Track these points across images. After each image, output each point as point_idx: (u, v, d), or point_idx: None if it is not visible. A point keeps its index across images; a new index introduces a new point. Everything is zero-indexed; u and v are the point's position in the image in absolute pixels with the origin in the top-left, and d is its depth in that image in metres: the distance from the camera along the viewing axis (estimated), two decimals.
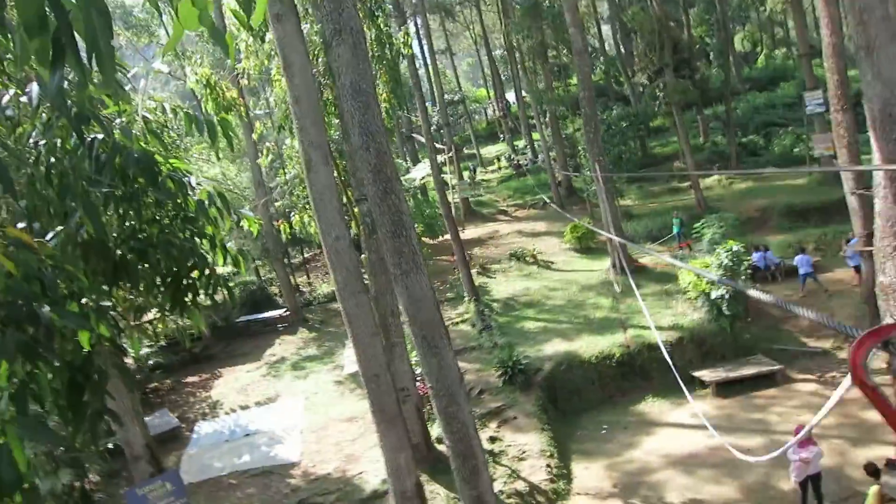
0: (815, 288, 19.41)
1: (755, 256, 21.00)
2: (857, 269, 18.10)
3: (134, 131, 4.29)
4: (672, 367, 11.68)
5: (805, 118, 30.95)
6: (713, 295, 17.31)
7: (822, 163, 29.00)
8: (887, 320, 7.35)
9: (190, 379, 22.30)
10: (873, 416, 13.45)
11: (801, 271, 19.29)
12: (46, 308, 3.34)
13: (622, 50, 46.40)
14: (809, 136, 30.25)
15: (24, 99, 3.28)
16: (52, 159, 3.59)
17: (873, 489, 9.18)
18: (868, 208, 13.59)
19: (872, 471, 9.40)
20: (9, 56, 3.22)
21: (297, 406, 18.49)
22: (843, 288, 19.11)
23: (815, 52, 28.94)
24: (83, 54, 2.16)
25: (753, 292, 2.97)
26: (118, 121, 4.26)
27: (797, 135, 34.77)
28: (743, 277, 17.62)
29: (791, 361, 16.65)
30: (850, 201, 15.27)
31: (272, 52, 13.43)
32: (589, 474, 13.51)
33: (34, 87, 2.94)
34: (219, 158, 25.74)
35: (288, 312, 26.76)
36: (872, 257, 9.36)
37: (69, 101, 3.16)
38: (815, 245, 22.74)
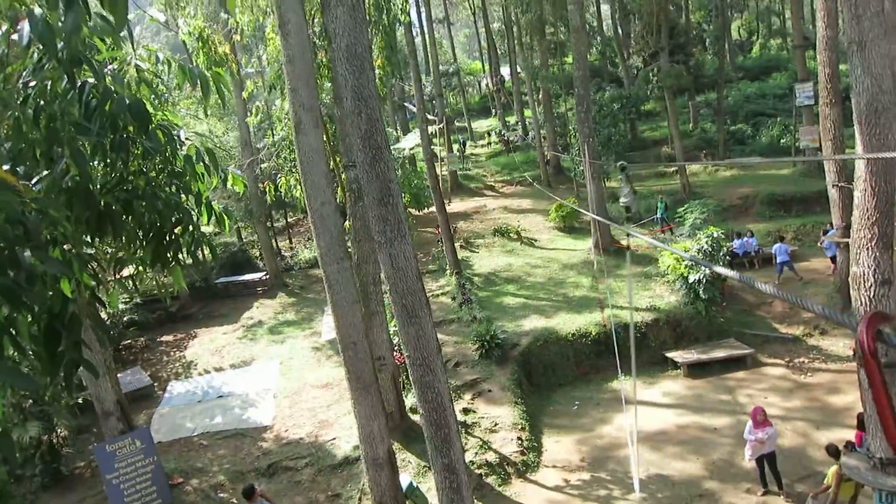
0: (790, 276, 19.76)
1: (735, 243, 21.34)
2: (833, 258, 18.53)
3: (125, 79, 4.23)
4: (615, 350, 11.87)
5: (794, 110, 31.12)
6: (691, 279, 17.56)
7: (807, 153, 29.30)
8: (860, 310, 7.53)
9: (165, 338, 22.25)
10: (837, 399, 13.84)
11: (779, 259, 19.63)
12: (28, 253, 3.29)
13: (619, 31, 46.12)
14: (797, 127, 30.45)
15: (14, 37, 3.20)
16: (41, 102, 3.53)
17: (832, 469, 9.51)
18: (847, 200, 13.83)
19: (833, 451, 9.73)
20: None
21: (271, 370, 18.54)
22: (818, 277, 19.50)
23: (809, 44, 29.11)
24: None
25: (722, 270, 3.04)
26: (110, 67, 4.20)
27: (785, 125, 34.99)
28: (721, 263, 17.86)
29: (762, 346, 17.06)
30: (830, 193, 15.51)
31: (268, 9, 13.23)
32: (559, 448, 13.78)
33: (25, 26, 2.86)
34: (207, 115, 25.39)
35: (268, 276, 26.67)
36: (848, 248, 9.54)
37: (61, 44, 3.10)
38: (794, 234, 23.10)
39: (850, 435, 11.06)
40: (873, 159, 7.37)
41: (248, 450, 14.54)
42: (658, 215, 25.93)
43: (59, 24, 3.06)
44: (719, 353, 16.52)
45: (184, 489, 13.35)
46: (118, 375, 16.33)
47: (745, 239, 21.62)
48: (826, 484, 9.72)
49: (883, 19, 7.31)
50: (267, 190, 19.25)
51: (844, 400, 13.83)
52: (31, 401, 13.56)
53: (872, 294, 7.44)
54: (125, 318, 21.43)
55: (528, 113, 47.05)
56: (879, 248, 7.42)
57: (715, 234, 18.33)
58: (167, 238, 4.90)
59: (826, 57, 14.71)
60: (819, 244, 20.10)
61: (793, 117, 32.74)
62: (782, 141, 33.91)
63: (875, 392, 1.68)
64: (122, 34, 3.10)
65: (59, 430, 14.67)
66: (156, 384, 18.47)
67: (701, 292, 17.38)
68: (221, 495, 13.03)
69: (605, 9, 56.75)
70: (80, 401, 15.26)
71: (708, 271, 17.47)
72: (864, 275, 7.47)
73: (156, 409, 16.95)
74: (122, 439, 12.26)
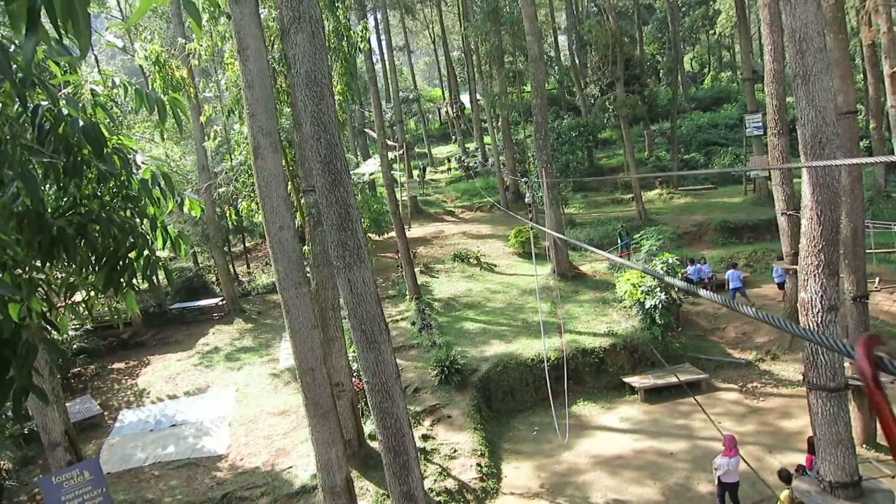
0: (743, 302, 20.26)
1: (689, 269, 21.81)
2: (781, 285, 19.10)
3: (80, 103, 4.17)
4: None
5: (744, 139, 32.24)
6: (647, 304, 17.87)
7: (757, 182, 30.29)
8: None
9: (116, 365, 21.60)
10: (789, 424, 14.15)
11: (731, 285, 20.12)
12: None
13: (577, 61, 47.20)
14: (747, 156, 31.51)
15: None
16: None
17: (784, 493, 9.72)
18: (796, 229, 14.30)
19: (785, 476, 9.96)
20: None
21: (227, 397, 18.13)
22: (769, 302, 20.04)
23: (757, 77, 30.22)
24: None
25: (703, 293, 3.07)
26: (64, 91, 4.14)
27: (736, 154, 36.19)
28: (675, 289, 18.23)
29: (716, 371, 17.41)
30: (780, 221, 16.02)
31: (227, 35, 13.18)
32: (518, 474, 13.75)
33: None
34: (163, 139, 25.04)
35: (224, 302, 26.18)
36: (797, 275, 9.85)
37: (14, 65, 3.05)
38: (745, 261, 23.74)
39: (802, 459, 11.33)
40: (819, 191, 7.67)
41: (202, 480, 14.13)
42: (620, 242, 26.42)
43: (13, 46, 3.03)
44: (675, 378, 16.79)
45: None
46: (66, 404, 15.75)
47: (699, 265, 22.14)
48: None
49: (825, 55, 7.66)
50: (227, 215, 18.95)
51: (796, 424, 14.16)
52: None
53: (820, 319, 7.68)
54: (75, 345, 20.75)
55: (487, 139, 47.63)
56: (826, 274, 7.69)
57: (670, 261, 18.74)
58: (121, 263, 4.79)
59: (773, 89, 15.30)
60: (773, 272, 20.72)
61: (743, 146, 33.92)
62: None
63: (885, 426, 1.44)
64: (84, 58, 3.05)
65: (2, 462, 14.07)
66: (106, 413, 17.88)
67: (657, 318, 17.70)
68: None
69: (563, 39, 58.18)
70: (24, 431, 14.68)
71: (664, 296, 17.81)
72: (811, 301, 7.72)
73: (105, 438, 16.39)
74: (70, 470, 11.77)
